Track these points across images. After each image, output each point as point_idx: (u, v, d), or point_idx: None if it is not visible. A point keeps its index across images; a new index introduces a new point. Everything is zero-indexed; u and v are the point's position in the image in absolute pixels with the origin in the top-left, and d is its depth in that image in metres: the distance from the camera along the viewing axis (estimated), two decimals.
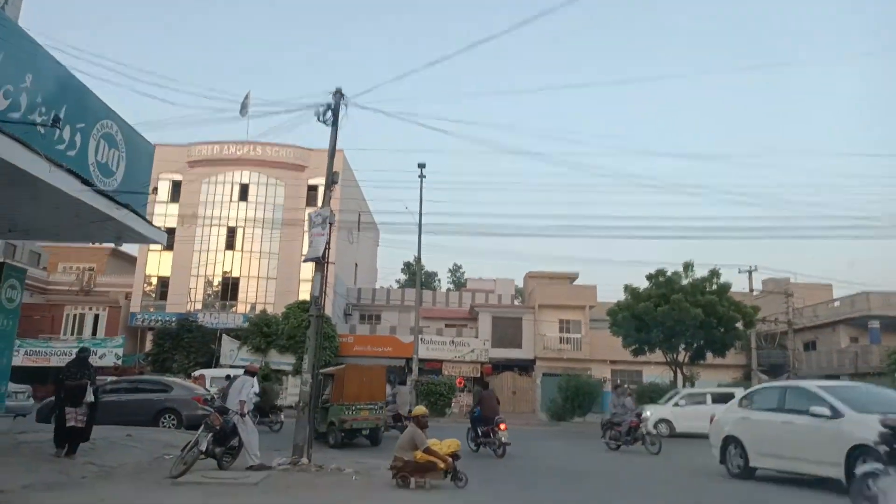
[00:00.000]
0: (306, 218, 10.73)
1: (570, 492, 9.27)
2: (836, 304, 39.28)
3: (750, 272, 34.66)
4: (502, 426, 13.64)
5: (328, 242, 10.32)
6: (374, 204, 46.37)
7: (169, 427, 15.26)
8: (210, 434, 9.03)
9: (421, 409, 9.59)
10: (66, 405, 9.46)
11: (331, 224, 10.19)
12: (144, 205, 11.53)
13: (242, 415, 9.52)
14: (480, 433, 14.16)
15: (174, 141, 37.83)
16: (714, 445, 11.40)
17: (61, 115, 8.44)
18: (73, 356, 10.21)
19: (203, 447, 8.89)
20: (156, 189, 11.16)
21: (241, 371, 11.14)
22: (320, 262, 10.42)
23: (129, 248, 42.58)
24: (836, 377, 32.70)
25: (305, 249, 10.91)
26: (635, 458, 13.91)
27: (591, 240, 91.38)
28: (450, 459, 8.71)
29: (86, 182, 9.14)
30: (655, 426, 21.15)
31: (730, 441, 10.92)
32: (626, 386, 20.39)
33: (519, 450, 14.41)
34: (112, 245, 46.27)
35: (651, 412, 22.19)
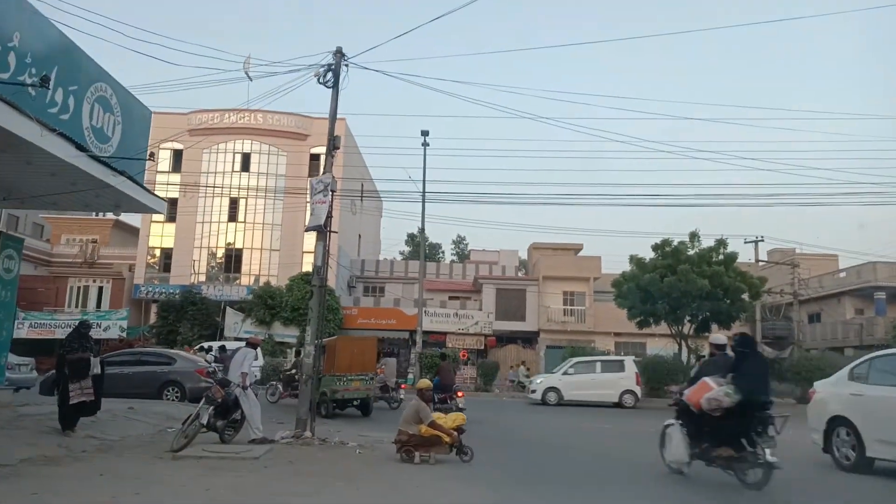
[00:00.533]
0: (308, 186, 10.41)
1: (585, 469, 9.08)
2: (843, 274, 38.96)
3: (756, 242, 34.35)
4: (459, 394, 14.34)
5: (330, 210, 10.03)
6: (376, 173, 45.97)
7: (172, 400, 15.19)
8: (211, 407, 8.88)
9: (425, 383, 9.40)
10: (70, 381, 9.10)
11: (333, 191, 9.88)
12: (142, 172, 11.25)
13: (244, 387, 9.35)
14: (437, 400, 14.33)
15: (172, 108, 37.13)
16: (815, 429, 9.13)
17: (52, 77, 8.12)
18: (73, 329, 10.00)
19: (204, 420, 8.75)
20: (153, 155, 10.82)
21: (243, 344, 10.98)
22: (322, 231, 10.15)
23: (131, 219, 42.44)
24: (841, 350, 32.58)
25: (308, 219, 10.62)
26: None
27: (597, 210, 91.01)
28: (455, 433, 8.52)
29: (80, 147, 8.85)
30: (544, 395, 21.17)
31: (838, 423, 8.73)
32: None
33: (523, 424, 14.40)
34: (114, 216, 46.40)
35: (541, 380, 22.29)
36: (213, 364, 9.89)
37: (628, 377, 21.76)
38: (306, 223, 10.70)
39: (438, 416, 8.74)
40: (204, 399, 9.01)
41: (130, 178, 10.45)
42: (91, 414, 9.52)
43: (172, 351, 18.34)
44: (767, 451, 6.93)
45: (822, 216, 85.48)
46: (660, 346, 32.16)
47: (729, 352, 8.10)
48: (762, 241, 34.03)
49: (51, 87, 8.24)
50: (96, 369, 9.36)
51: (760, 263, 34.92)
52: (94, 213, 45.91)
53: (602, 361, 23.11)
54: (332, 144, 10.08)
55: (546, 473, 8.26)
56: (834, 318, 38.17)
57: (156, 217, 37.38)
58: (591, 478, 8.22)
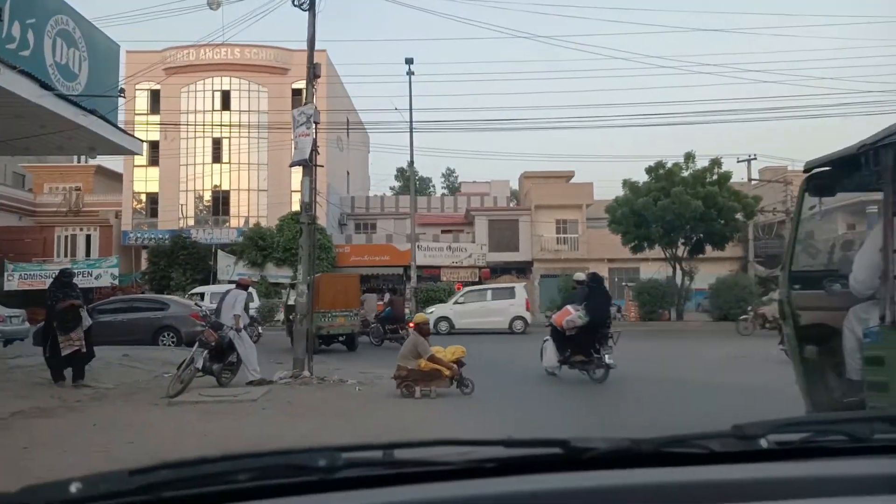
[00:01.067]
0: (291, 119, 9.90)
1: (590, 399, 9.06)
2: None
3: (749, 161, 33.90)
4: (410, 325, 14.22)
5: (315, 144, 9.59)
6: (361, 105, 44.82)
7: (168, 345, 15.07)
8: (206, 351, 8.70)
9: (422, 317, 9.25)
10: (59, 332, 8.83)
11: (316, 123, 9.41)
12: (115, 110, 10.73)
13: (238, 329, 9.13)
14: (388, 330, 15.98)
15: (143, 44, 35.67)
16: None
17: (4, 9, 7.53)
18: (54, 279, 9.69)
19: (199, 365, 8.57)
20: (123, 91, 10.20)
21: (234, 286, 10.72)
22: (308, 166, 9.73)
23: (114, 164, 41.42)
24: None
25: (292, 154, 10.15)
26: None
27: (590, 135, 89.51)
28: (455, 367, 8.40)
29: (45, 86, 8.33)
30: (436, 324, 21.20)
31: None
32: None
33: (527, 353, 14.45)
34: (95, 162, 45.34)
35: (433, 310, 22.46)
36: (203, 307, 9.62)
37: (518, 304, 21.90)
38: (291, 159, 10.25)
39: (438, 350, 8.58)
40: (197, 343, 8.83)
41: (102, 117, 9.95)
42: (87, 363, 9.30)
43: (165, 296, 18.13)
44: (607, 356, 9.68)
45: (819, 133, 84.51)
46: (653, 270, 32.25)
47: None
48: (755, 159, 33.57)
49: (4, 19, 7.64)
50: (87, 321, 9.11)
51: (752, 182, 34.62)
52: (73, 159, 44.98)
53: (493, 289, 23.46)
54: (313, 73, 9.51)
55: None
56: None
57: (138, 161, 36.43)
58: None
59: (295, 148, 9.78)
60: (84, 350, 8.99)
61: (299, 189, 10.15)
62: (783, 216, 35.01)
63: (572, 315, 9.90)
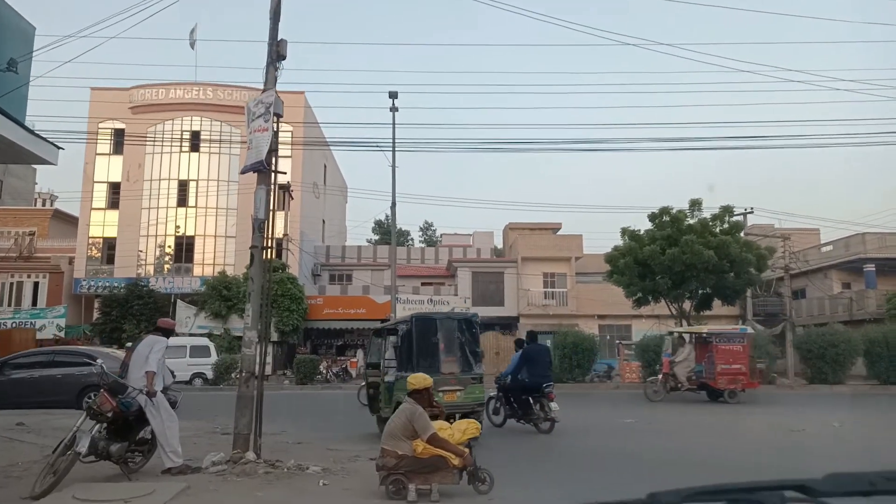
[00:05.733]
0: (245, 114, 7.58)
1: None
2: (830, 247, 37.51)
3: (745, 214, 32.52)
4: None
5: (275, 143, 7.28)
6: (339, 155, 42.97)
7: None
8: (98, 425, 6.08)
9: (422, 378, 6.24)
10: None
11: (278, 116, 7.14)
12: (23, 108, 8.40)
13: (150, 393, 6.47)
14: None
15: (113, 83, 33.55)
16: None
17: None
18: None
19: (82, 447, 5.89)
20: (13, 62, 7.78)
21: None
22: (264, 171, 7.40)
23: (72, 208, 38.78)
24: (827, 325, 31.06)
25: (245, 158, 7.79)
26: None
27: (575, 187, 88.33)
28: (466, 451, 5.79)
29: None
30: None
31: None
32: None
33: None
34: (54, 206, 42.52)
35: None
36: (98, 361, 6.91)
37: None
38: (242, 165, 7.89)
39: (441, 427, 5.97)
40: (85, 413, 6.20)
41: (5, 113, 7.59)
42: None
43: (95, 348, 15.38)
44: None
45: (799, 190, 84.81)
46: (646, 328, 30.21)
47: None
48: (752, 212, 32.13)
49: None
50: None
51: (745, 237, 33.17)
52: (34, 202, 42.18)
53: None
54: (277, 51, 7.29)
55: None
56: (821, 293, 36.73)
57: (96, 203, 33.97)
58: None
59: (249, 148, 7.43)
60: None
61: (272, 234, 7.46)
62: (782, 273, 33.45)
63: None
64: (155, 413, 6.40)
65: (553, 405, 10.49)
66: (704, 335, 17.82)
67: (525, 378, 10.96)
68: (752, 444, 9.81)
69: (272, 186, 7.47)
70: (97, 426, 6.02)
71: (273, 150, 7.21)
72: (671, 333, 20.50)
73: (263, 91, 7.28)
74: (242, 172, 7.87)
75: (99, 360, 7.04)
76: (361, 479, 6.37)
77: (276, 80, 7.25)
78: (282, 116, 7.20)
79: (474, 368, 9.67)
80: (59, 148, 8.94)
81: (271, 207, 7.72)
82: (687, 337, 18.05)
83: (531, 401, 10.93)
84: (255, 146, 7.19)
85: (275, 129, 7.09)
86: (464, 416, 9.09)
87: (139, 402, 6.32)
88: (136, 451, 6.52)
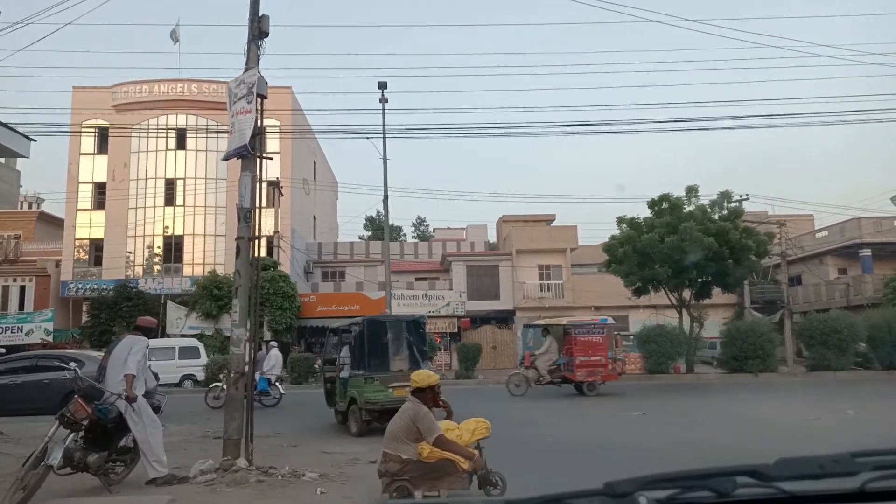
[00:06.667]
0: (227, 95, 7.03)
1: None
2: (825, 233, 37.30)
3: (740, 201, 32.21)
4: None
5: (261, 125, 6.77)
6: (330, 148, 42.34)
7: None
8: (73, 434, 5.57)
9: (426, 375, 5.54)
10: None
11: (262, 97, 6.64)
12: None
13: (130, 398, 5.92)
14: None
15: (95, 80, 32.85)
16: None
17: None
18: None
19: (54, 460, 5.37)
20: None
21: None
22: (248, 156, 6.89)
23: (58, 210, 38.02)
24: (827, 311, 30.82)
25: (228, 143, 7.25)
26: None
27: (567, 178, 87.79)
28: (476, 454, 5.32)
29: None
30: None
31: None
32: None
33: (544, 419, 11.53)
34: (39, 208, 41.80)
35: None
36: (71, 364, 6.38)
37: None
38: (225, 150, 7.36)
39: (448, 427, 5.48)
40: (58, 421, 5.69)
41: None
42: None
43: (81, 352, 14.85)
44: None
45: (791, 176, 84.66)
46: (643, 318, 29.91)
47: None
48: (747, 199, 31.83)
49: None
50: None
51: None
52: (18, 205, 41.37)
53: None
54: (258, 26, 6.76)
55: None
56: (817, 280, 36.53)
57: (82, 204, 33.26)
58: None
59: (231, 132, 6.90)
60: None
61: (264, 233, 6.96)
62: (778, 259, 33.19)
63: None
64: (136, 419, 5.88)
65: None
66: (564, 326, 17.68)
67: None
68: (773, 433, 9.41)
69: (258, 173, 6.95)
70: (72, 435, 5.52)
71: (257, 134, 6.71)
72: (532, 326, 20.66)
73: (245, 70, 6.76)
74: (225, 159, 7.36)
75: (72, 364, 6.53)
76: (362, 485, 5.91)
77: (258, 59, 6.72)
78: (266, 98, 6.70)
79: (421, 365, 10.44)
80: (31, 140, 8.41)
81: (258, 195, 7.22)
82: (554, 330, 17.89)
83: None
84: (239, 130, 6.68)
85: (259, 110, 6.59)
86: None
87: (118, 408, 5.81)
88: (117, 461, 6.01)
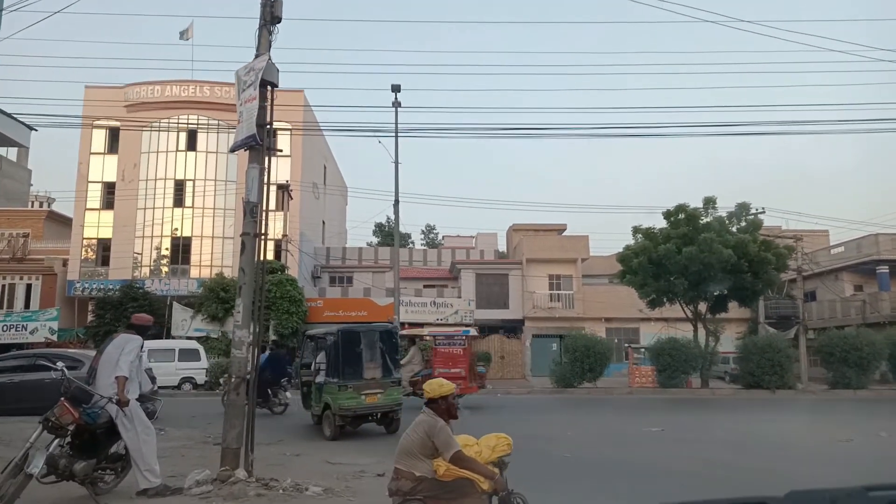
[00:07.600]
0: (235, 83, 6.62)
1: None
2: (841, 248, 36.57)
3: (757, 214, 31.66)
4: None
5: (269, 115, 6.36)
6: (340, 152, 42.09)
7: None
8: (58, 440, 5.17)
9: (440, 384, 4.93)
10: None
11: (273, 86, 6.25)
12: None
13: (122, 402, 5.50)
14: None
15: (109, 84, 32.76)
16: None
17: None
18: None
19: (34, 468, 4.95)
20: None
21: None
22: (257, 147, 6.50)
23: (66, 209, 37.88)
24: (843, 328, 30.15)
25: (236, 133, 6.83)
26: None
27: (579, 189, 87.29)
28: (497, 473, 4.81)
29: None
30: None
31: None
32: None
33: (558, 433, 11.06)
34: (50, 208, 41.69)
35: None
36: (59, 365, 6.04)
37: None
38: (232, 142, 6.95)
39: (466, 442, 5.00)
40: (42, 426, 5.29)
41: None
42: None
43: (81, 351, 14.50)
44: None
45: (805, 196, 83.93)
46: (654, 331, 29.34)
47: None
48: (763, 212, 31.29)
49: None
50: None
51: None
52: (28, 203, 41.31)
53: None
54: (270, 10, 6.37)
55: None
56: (832, 296, 35.82)
57: (91, 203, 33.08)
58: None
59: (239, 121, 6.49)
60: None
61: (271, 236, 6.47)
62: (794, 274, 32.57)
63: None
64: (128, 425, 5.45)
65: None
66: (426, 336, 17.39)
67: None
68: (806, 455, 8.90)
69: (266, 165, 6.56)
70: (56, 441, 5.11)
71: (265, 125, 6.31)
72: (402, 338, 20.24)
73: (256, 57, 6.39)
74: (233, 149, 6.96)
75: (60, 364, 6.13)
76: (370, 498, 5.45)
77: (270, 45, 6.34)
78: (276, 86, 6.31)
79: (393, 374, 11.28)
80: (31, 129, 8.05)
81: (265, 196, 6.83)
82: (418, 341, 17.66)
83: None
84: (247, 119, 6.28)
85: (270, 100, 6.21)
86: (383, 415, 11.11)
87: (109, 413, 5.40)
88: (106, 470, 5.59)
